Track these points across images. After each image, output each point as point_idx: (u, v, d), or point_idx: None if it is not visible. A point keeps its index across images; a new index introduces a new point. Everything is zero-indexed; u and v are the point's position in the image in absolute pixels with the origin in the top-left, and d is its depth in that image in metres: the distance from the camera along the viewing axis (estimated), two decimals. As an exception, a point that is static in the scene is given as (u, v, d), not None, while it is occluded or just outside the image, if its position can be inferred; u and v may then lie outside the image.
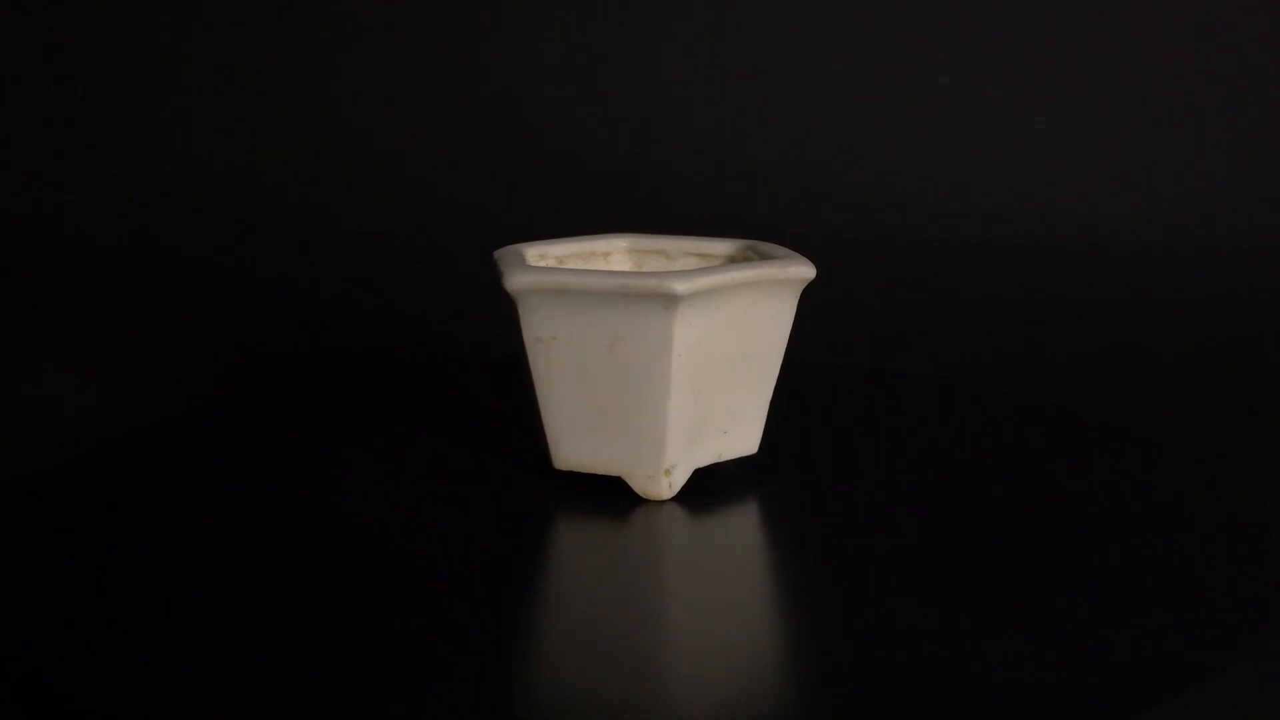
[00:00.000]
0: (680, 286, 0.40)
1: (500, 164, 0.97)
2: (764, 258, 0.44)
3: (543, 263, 0.47)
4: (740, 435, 0.45)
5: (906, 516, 0.42)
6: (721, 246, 0.47)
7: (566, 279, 0.41)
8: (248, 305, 0.82)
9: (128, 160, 1.00)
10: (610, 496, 0.43)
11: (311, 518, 0.42)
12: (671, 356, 0.41)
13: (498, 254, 0.45)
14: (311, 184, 0.97)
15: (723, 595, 0.38)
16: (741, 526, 0.43)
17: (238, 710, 0.31)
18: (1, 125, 1.02)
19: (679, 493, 0.43)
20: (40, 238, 0.94)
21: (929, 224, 0.90)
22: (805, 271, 0.43)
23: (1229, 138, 0.92)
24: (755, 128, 0.97)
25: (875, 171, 0.94)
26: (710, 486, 0.44)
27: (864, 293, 0.81)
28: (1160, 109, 0.93)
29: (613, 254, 0.49)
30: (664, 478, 0.43)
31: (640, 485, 0.43)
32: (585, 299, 0.41)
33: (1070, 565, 0.39)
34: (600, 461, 0.44)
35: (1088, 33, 0.95)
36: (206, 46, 1.03)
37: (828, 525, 0.42)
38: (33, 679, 0.33)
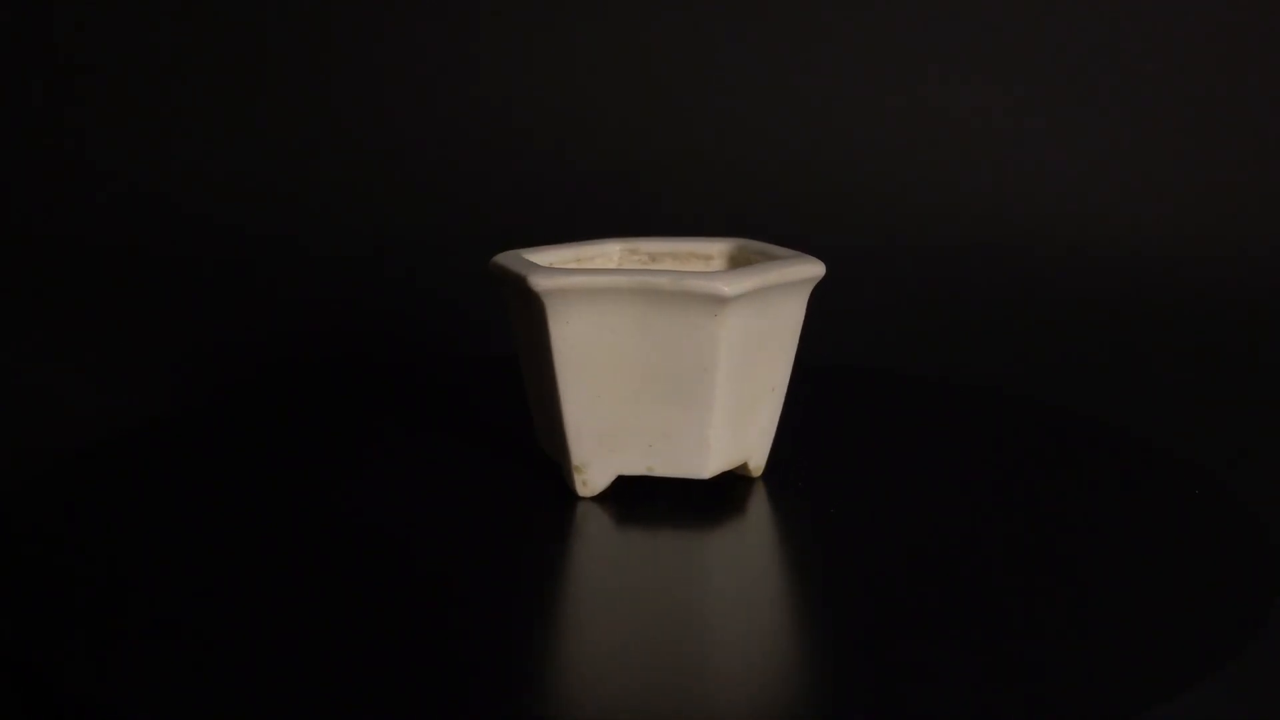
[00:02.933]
0: (540, 282, 0.39)
1: (500, 165, 0.97)
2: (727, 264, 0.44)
3: (633, 259, 0.48)
4: (673, 454, 0.42)
5: (906, 517, 0.42)
6: (780, 252, 0.45)
7: (505, 264, 0.42)
8: (248, 306, 0.82)
9: (127, 162, 1.00)
10: (608, 496, 0.43)
11: (310, 517, 0.42)
12: (553, 352, 0.41)
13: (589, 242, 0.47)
14: (312, 186, 0.97)
15: (718, 596, 0.38)
16: (738, 527, 0.43)
17: (237, 710, 0.31)
18: (2, 126, 1.02)
19: (675, 491, 0.43)
20: (40, 239, 0.94)
21: (931, 227, 0.90)
22: (710, 287, 0.39)
23: (1230, 140, 0.92)
24: (758, 130, 0.97)
25: (877, 174, 0.94)
26: (707, 486, 0.44)
27: (865, 294, 0.81)
28: (1162, 112, 0.93)
29: (714, 257, 0.47)
30: (576, 475, 0.42)
31: (566, 478, 0.43)
32: (507, 289, 0.42)
33: (1070, 565, 0.39)
34: (549, 449, 0.44)
35: (1089, 37, 0.95)
36: (207, 50, 1.03)
37: (827, 526, 0.42)
38: (33, 679, 0.33)
